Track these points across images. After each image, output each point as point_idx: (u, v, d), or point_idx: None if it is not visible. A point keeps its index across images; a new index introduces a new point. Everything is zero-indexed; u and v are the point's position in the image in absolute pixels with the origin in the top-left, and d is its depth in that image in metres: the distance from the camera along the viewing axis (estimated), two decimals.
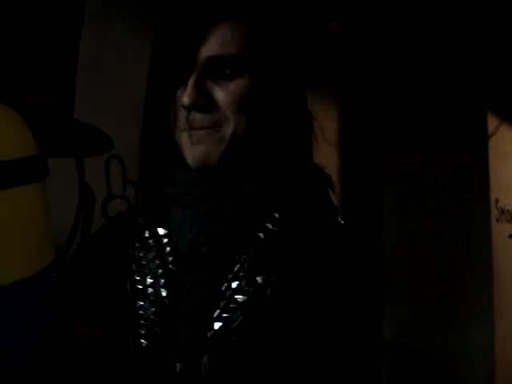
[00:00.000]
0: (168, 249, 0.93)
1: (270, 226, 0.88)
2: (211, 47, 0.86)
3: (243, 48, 0.87)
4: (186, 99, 0.85)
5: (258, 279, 0.83)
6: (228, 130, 0.88)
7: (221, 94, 0.87)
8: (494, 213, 4.18)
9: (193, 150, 0.89)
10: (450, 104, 4.11)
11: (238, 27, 0.87)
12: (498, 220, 4.24)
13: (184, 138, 0.90)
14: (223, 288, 0.84)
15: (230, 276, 0.84)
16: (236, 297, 0.83)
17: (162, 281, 0.89)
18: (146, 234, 0.96)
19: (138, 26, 2.44)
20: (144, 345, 0.87)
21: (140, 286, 0.91)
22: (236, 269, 0.85)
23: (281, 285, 0.83)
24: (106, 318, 0.90)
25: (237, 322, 0.82)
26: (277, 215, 0.89)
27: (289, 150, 0.94)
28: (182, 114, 0.89)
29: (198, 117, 0.87)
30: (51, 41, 2.10)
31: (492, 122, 4.23)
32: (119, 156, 2.34)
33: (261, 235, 0.87)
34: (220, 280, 0.84)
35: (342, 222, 0.92)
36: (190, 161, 0.90)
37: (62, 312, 0.70)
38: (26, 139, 0.44)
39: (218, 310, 0.83)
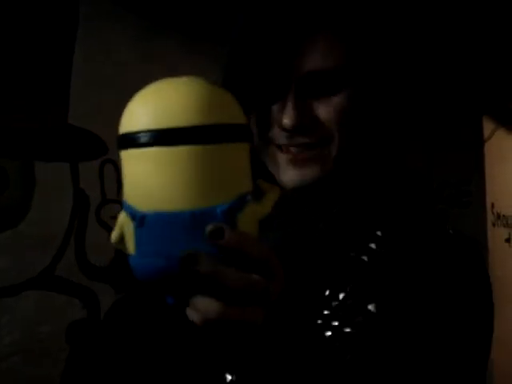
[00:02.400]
0: None
1: (374, 247, 0.79)
2: (311, 61, 0.78)
3: (344, 60, 0.79)
4: (287, 121, 0.77)
5: (370, 307, 0.74)
6: (333, 149, 0.79)
7: (323, 111, 0.78)
8: (491, 217, 4.18)
9: (293, 171, 0.79)
10: (446, 108, 4.11)
11: (336, 40, 0.80)
12: (494, 224, 4.24)
13: (280, 158, 0.80)
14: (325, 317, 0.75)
15: (335, 304, 0.76)
16: (344, 329, 0.74)
17: None
18: None
19: (134, 30, 2.43)
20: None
21: None
22: (341, 297, 0.75)
23: (395, 312, 0.74)
24: None
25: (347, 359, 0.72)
26: (379, 233, 0.80)
27: (385, 160, 0.87)
28: (279, 132, 0.80)
29: (299, 137, 0.78)
30: (46, 45, 2.09)
31: (488, 127, 4.23)
32: (113, 160, 2.32)
33: (365, 258, 0.78)
34: (321, 309, 0.75)
35: (451, 232, 0.83)
36: (286, 182, 0.80)
37: None
38: (238, 110, 0.56)
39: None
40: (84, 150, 2.24)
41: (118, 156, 0.57)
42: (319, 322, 0.75)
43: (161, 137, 0.52)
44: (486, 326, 0.79)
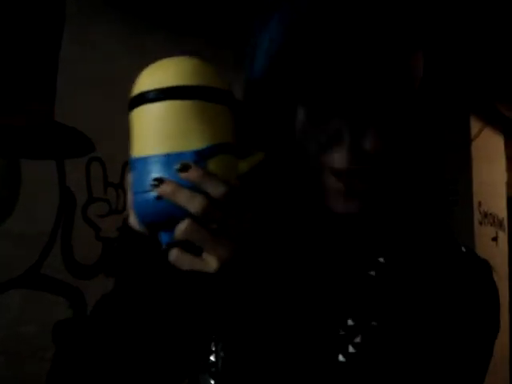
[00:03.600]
0: None
1: (383, 261, 0.75)
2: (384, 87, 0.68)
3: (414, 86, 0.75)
4: (339, 165, 0.69)
5: (374, 323, 0.72)
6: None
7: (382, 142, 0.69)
8: (477, 216, 4.20)
9: (345, 201, 0.70)
10: (434, 107, 4.12)
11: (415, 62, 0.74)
12: (481, 223, 4.26)
13: (333, 184, 0.71)
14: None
15: (339, 320, 0.73)
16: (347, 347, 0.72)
17: None
18: None
19: (120, 27, 2.42)
20: None
21: None
22: (345, 313, 0.73)
23: (400, 328, 0.72)
24: None
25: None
26: (389, 247, 0.77)
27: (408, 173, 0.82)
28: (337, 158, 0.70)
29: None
30: (31, 42, 2.07)
31: (475, 126, 4.25)
32: (100, 158, 2.31)
33: (372, 273, 0.75)
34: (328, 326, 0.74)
35: (464, 250, 0.79)
36: (335, 208, 0.72)
37: None
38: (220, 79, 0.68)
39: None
40: (70, 147, 2.22)
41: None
42: (322, 340, 0.73)
43: (146, 96, 0.65)
44: (488, 348, 0.77)
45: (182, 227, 0.62)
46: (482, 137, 4.33)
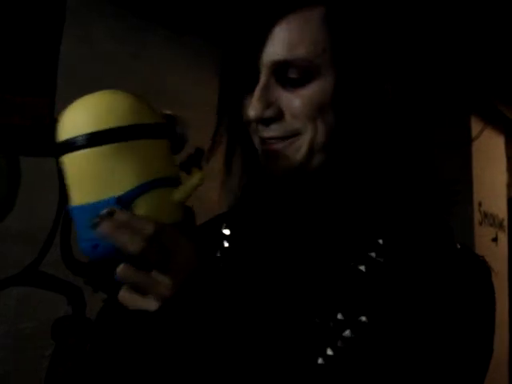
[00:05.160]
0: None
1: (374, 256, 0.75)
2: (277, 50, 0.75)
3: (316, 48, 0.75)
4: (250, 112, 0.76)
5: (363, 319, 0.71)
6: (304, 142, 0.76)
7: (292, 102, 0.76)
8: (477, 216, 4.19)
9: (268, 163, 0.79)
10: (434, 107, 4.12)
11: (308, 23, 0.75)
12: (481, 223, 4.26)
13: (260, 150, 0.81)
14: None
15: (327, 315, 0.73)
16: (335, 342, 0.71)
17: None
18: None
19: (121, 25, 2.42)
20: None
21: None
22: (333, 307, 0.73)
23: (389, 325, 0.71)
24: None
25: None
26: (381, 241, 0.77)
27: (393, 161, 0.81)
28: (253, 124, 0.80)
29: (268, 128, 0.77)
30: (31, 39, 2.07)
31: (476, 126, 4.24)
32: None
33: (362, 268, 0.75)
34: (313, 319, 0.73)
35: (459, 247, 0.79)
36: (266, 173, 0.80)
37: None
38: (146, 112, 0.67)
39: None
40: None
41: None
42: (310, 333, 0.72)
43: (64, 145, 0.65)
44: (485, 346, 0.75)
45: (119, 271, 0.63)
46: (483, 137, 4.32)
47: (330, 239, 0.79)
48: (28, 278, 2.04)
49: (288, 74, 0.76)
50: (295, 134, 0.77)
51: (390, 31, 0.81)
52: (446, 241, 0.79)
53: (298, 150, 0.77)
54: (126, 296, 0.64)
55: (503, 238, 4.83)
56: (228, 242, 0.88)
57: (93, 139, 0.63)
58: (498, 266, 4.49)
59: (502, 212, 4.85)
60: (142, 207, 0.64)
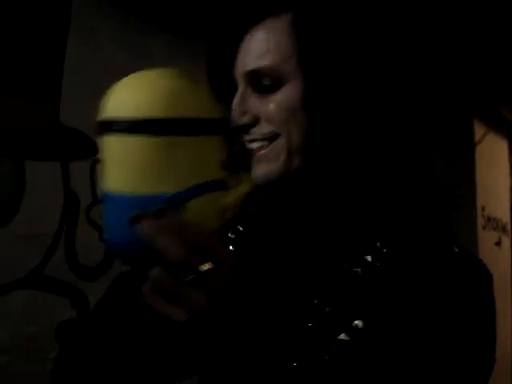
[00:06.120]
0: None
1: (370, 259, 0.76)
2: (247, 61, 0.80)
3: (282, 55, 0.78)
4: (233, 120, 0.80)
5: (357, 323, 0.71)
6: (282, 146, 0.79)
7: (266, 108, 0.79)
8: (481, 220, 4.19)
9: (254, 168, 0.81)
10: (437, 111, 4.12)
11: (274, 32, 0.79)
12: (484, 227, 4.26)
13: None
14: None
15: (320, 316, 0.73)
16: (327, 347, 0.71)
17: None
18: None
19: (124, 28, 2.43)
20: None
21: None
22: (327, 310, 0.73)
23: (384, 329, 0.71)
24: None
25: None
26: (378, 245, 0.77)
27: (393, 169, 0.82)
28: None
29: (248, 134, 0.81)
30: (37, 44, 2.08)
31: (479, 130, 4.24)
32: None
33: (358, 270, 0.75)
34: (306, 321, 0.73)
35: (457, 250, 0.80)
36: (253, 178, 0.81)
37: None
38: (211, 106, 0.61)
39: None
40: (75, 149, 2.23)
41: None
42: (301, 334, 0.72)
43: (118, 125, 0.58)
44: (484, 351, 0.75)
45: (153, 274, 0.59)
46: (486, 141, 4.32)
47: (324, 242, 0.79)
48: (33, 282, 2.05)
49: (262, 81, 0.80)
50: (273, 136, 0.80)
51: (360, 33, 0.82)
52: (444, 245, 0.79)
53: (280, 153, 0.80)
54: (154, 299, 0.60)
55: (506, 241, 4.83)
56: (232, 245, 0.90)
57: (157, 127, 0.57)
58: (501, 269, 4.49)
59: (505, 216, 4.85)
60: (192, 211, 0.59)
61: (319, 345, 0.71)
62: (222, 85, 0.84)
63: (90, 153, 2.27)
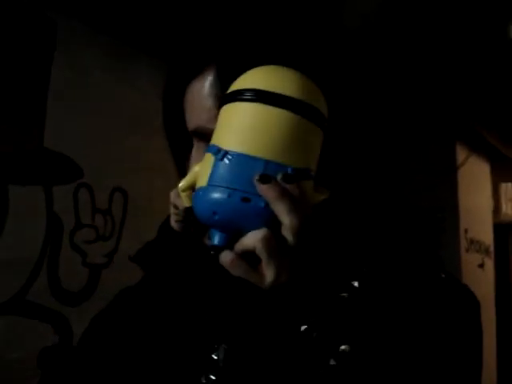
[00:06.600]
0: None
1: (357, 285, 0.74)
2: (191, 118, 0.78)
3: (209, 114, 0.74)
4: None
5: (344, 348, 0.69)
6: None
7: None
8: (464, 243, 4.22)
9: None
10: (419, 135, 4.16)
11: (201, 89, 0.76)
12: (467, 250, 4.28)
13: None
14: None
15: (307, 342, 0.71)
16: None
17: None
18: None
19: (109, 53, 2.44)
20: None
21: None
22: (314, 335, 0.71)
23: (371, 354, 0.70)
24: None
25: None
26: (365, 270, 0.75)
27: (372, 193, 0.85)
28: None
29: None
30: (21, 68, 2.08)
31: (461, 153, 4.28)
32: (88, 184, 2.31)
33: (345, 295, 0.73)
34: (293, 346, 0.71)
35: (443, 276, 0.79)
36: None
37: None
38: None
39: None
40: (58, 173, 2.22)
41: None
42: (288, 361, 0.71)
43: (268, 97, 0.64)
44: (472, 377, 0.74)
45: (258, 235, 0.61)
46: (468, 164, 4.37)
47: (311, 267, 0.78)
48: (15, 307, 2.03)
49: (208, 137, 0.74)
50: None
51: None
52: (431, 271, 0.79)
53: None
54: (236, 261, 0.62)
55: (489, 263, 4.85)
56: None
57: (300, 107, 0.64)
58: (485, 292, 4.51)
59: (488, 238, 4.88)
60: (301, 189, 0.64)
61: (307, 371, 0.71)
62: (178, 139, 0.82)
63: (73, 177, 2.27)
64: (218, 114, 0.69)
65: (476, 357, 0.76)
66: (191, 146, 0.80)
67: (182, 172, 0.82)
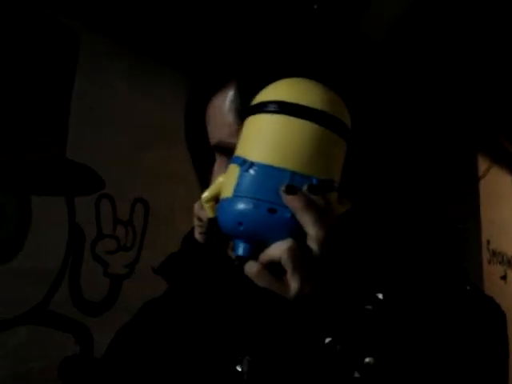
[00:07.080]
0: None
1: (381, 297, 0.73)
2: (213, 132, 0.79)
3: (230, 129, 0.76)
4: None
5: (368, 360, 0.69)
6: None
7: None
8: (486, 254, 4.17)
9: None
10: (441, 146, 4.13)
11: (222, 104, 0.78)
12: (489, 262, 4.24)
13: None
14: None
15: (331, 354, 0.70)
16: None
17: None
18: None
19: (134, 64, 2.46)
20: None
21: None
22: (339, 348, 0.70)
23: (396, 366, 0.69)
24: None
25: None
26: (390, 282, 0.75)
27: (398, 205, 0.85)
28: None
29: None
30: (45, 80, 2.10)
31: (483, 164, 4.25)
32: (110, 195, 2.33)
33: (369, 308, 0.72)
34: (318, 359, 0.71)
35: (469, 288, 0.78)
36: None
37: None
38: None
39: None
40: (80, 184, 2.24)
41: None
42: (313, 373, 0.70)
43: (292, 108, 0.64)
44: None
45: (283, 246, 0.61)
46: (490, 175, 4.33)
47: (337, 279, 0.78)
48: (36, 317, 2.04)
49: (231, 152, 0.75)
50: None
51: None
52: (456, 283, 0.78)
53: None
54: (261, 272, 0.62)
55: None
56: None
57: (323, 118, 0.64)
58: (508, 304, 4.45)
59: (510, 250, 4.82)
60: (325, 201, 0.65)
61: (331, 383, 0.70)
62: (200, 152, 0.83)
63: (95, 188, 2.28)
64: (238, 128, 0.69)
65: (502, 368, 0.75)
66: (213, 159, 0.80)
67: (204, 184, 0.83)
